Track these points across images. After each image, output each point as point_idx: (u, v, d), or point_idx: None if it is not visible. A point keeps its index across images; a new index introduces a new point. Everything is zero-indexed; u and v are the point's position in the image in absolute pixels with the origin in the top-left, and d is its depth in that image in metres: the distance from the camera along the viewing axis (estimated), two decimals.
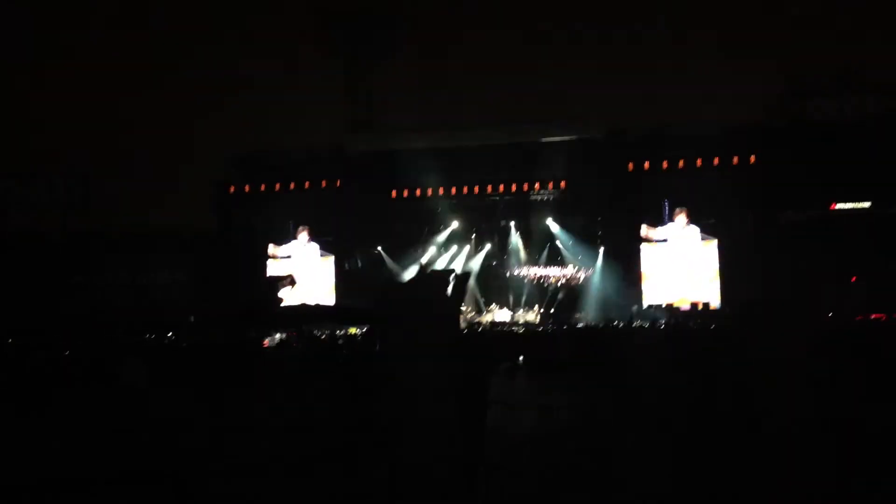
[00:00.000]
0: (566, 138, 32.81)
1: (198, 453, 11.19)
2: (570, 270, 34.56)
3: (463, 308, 33.00)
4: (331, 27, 40.16)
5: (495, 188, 33.88)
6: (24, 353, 20.16)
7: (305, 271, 33.70)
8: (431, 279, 25.61)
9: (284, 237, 35.11)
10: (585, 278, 34.15)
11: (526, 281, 35.03)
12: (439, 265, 34.57)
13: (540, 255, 35.11)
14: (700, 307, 30.37)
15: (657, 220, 32.25)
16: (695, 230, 31.67)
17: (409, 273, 32.49)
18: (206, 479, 9.76)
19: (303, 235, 35.04)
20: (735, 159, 31.62)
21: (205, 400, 15.46)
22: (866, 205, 31.21)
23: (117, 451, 11.62)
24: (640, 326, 26.43)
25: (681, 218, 31.79)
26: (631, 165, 32.45)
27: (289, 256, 34.95)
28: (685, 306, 30.61)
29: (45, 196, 35.14)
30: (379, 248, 35.20)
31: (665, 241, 32.03)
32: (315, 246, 35.03)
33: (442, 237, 35.48)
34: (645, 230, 32.30)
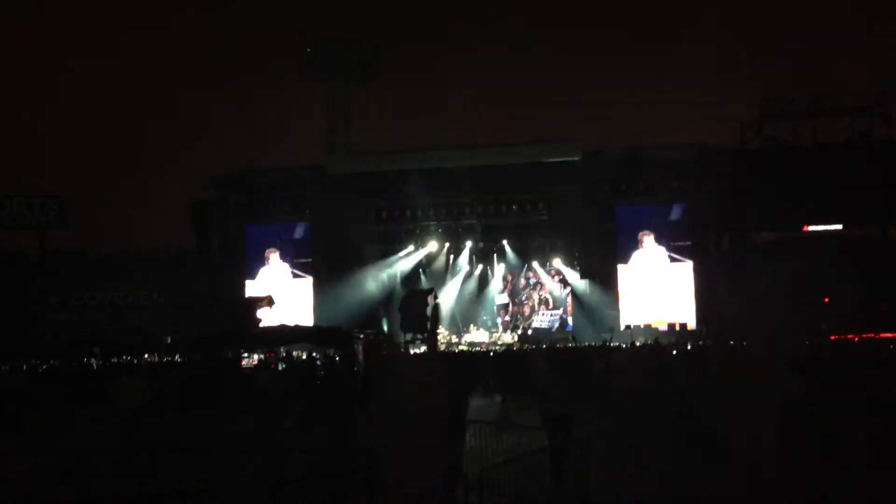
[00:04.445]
0: (544, 160, 32.94)
1: (181, 474, 11.08)
2: (547, 291, 34.85)
3: (440, 329, 33.16)
4: (312, 50, 40.28)
5: (473, 209, 34.03)
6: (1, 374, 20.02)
7: (286, 293, 33.72)
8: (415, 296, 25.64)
9: (263, 258, 35.06)
10: (563, 299, 34.45)
11: (504, 301, 35.29)
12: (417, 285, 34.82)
13: (517, 276, 35.41)
14: (677, 327, 30.62)
15: (634, 242, 32.49)
16: (674, 252, 31.95)
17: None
18: (189, 500, 9.71)
19: (274, 257, 34.97)
20: (711, 181, 31.78)
21: (185, 420, 15.37)
22: (838, 227, 31.64)
23: (96, 473, 11.63)
24: (618, 346, 26.61)
25: (648, 241, 32.10)
26: (608, 187, 32.76)
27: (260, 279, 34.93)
28: (662, 327, 30.75)
29: (23, 216, 35.00)
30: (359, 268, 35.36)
31: (642, 261, 32.27)
32: (286, 267, 34.99)
33: (420, 258, 35.72)
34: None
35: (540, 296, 35.02)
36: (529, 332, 34.02)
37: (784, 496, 9.13)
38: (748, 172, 31.22)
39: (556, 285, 34.81)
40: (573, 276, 34.08)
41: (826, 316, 28.22)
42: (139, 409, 14.05)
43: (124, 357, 26.87)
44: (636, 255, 32.26)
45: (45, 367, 24.89)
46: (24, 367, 23.93)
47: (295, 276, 34.93)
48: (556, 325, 34.02)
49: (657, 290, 31.77)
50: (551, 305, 34.68)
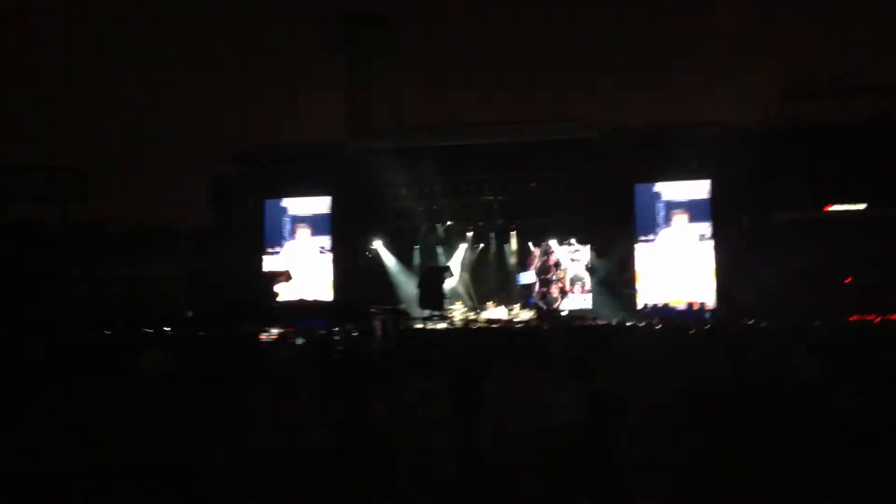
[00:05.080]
0: (563, 138, 32.62)
1: (198, 447, 11.28)
2: (565, 269, 34.72)
3: (458, 305, 33.24)
4: (331, 26, 40.07)
5: (492, 187, 33.88)
6: (23, 346, 20.20)
7: (305, 268, 33.73)
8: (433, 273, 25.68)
9: (281, 233, 35.15)
10: (581, 277, 34.32)
11: (530, 280, 35.16)
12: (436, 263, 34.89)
13: (536, 254, 35.30)
14: (696, 307, 30.56)
15: (653, 222, 32.33)
16: (693, 232, 31.75)
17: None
18: (206, 473, 9.80)
19: (303, 232, 35.03)
20: (732, 160, 31.55)
21: (204, 394, 15.57)
22: (861, 206, 31.36)
23: (116, 444, 11.83)
24: (635, 325, 26.65)
25: (681, 219, 31.93)
26: (627, 166, 32.36)
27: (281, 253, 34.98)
28: (681, 306, 30.70)
29: (44, 189, 35.16)
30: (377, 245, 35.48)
31: (661, 241, 32.12)
32: (314, 243, 35.00)
33: (439, 235, 35.62)
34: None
35: (571, 276, 34.84)
36: (563, 313, 33.54)
37: (801, 477, 9.12)
38: (770, 151, 30.80)
39: (576, 264, 34.62)
40: (591, 255, 33.92)
41: (847, 297, 27.87)
42: (161, 380, 14.17)
43: (145, 330, 27.06)
44: (665, 233, 32.08)
45: (66, 339, 25.07)
46: (46, 339, 24.13)
47: (322, 251, 34.97)
48: (591, 305, 33.62)
49: (677, 269, 31.57)
50: (584, 287, 34.37)
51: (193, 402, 14.70)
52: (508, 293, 34.98)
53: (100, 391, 17.45)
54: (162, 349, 15.86)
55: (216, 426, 13.30)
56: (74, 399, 16.77)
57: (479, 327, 29.31)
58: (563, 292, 34.58)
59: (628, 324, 27.35)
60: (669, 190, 32.09)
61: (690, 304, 30.83)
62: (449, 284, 32.60)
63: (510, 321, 31.84)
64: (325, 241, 34.93)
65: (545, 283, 34.92)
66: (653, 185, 32.28)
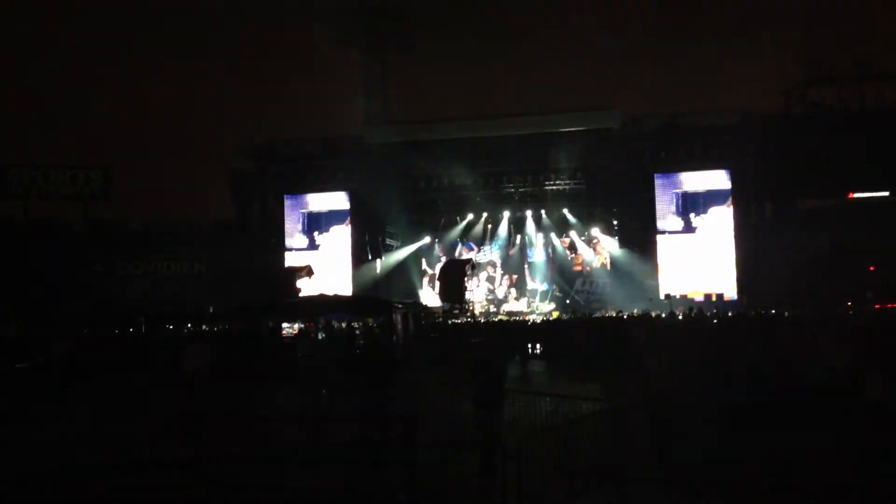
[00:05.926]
0: (582, 129, 32.47)
1: (224, 441, 11.33)
2: (585, 261, 34.68)
3: (475, 298, 33.27)
4: (349, 20, 40.05)
5: (511, 178, 33.86)
6: (47, 343, 20.41)
7: (325, 263, 33.81)
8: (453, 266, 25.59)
9: (301, 229, 35.18)
10: (601, 268, 34.25)
11: (542, 271, 35.17)
12: (456, 254, 34.98)
13: (556, 246, 35.21)
14: (714, 297, 30.42)
15: (673, 211, 32.06)
16: (715, 221, 31.53)
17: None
18: (232, 466, 9.85)
19: (322, 227, 35.08)
20: (753, 148, 31.34)
21: (227, 388, 15.71)
22: (884, 193, 31.05)
23: (144, 438, 11.92)
24: (658, 315, 26.55)
25: (701, 209, 31.70)
26: (647, 155, 32.26)
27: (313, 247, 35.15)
28: (699, 297, 30.53)
29: (67, 187, 35.46)
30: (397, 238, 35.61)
31: (682, 231, 31.92)
32: (334, 238, 35.03)
33: (459, 227, 35.67)
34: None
35: (590, 266, 34.81)
36: (574, 299, 33.77)
37: (824, 467, 9.05)
38: (792, 138, 30.69)
39: (595, 255, 34.61)
40: (612, 245, 33.81)
41: (871, 284, 27.56)
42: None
43: (168, 326, 27.26)
44: (686, 223, 31.83)
45: (92, 335, 25.29)
46: (72, 336, 24.32)
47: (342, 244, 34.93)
48: (604, 293, 33.75)
49: (698, 259, 31.41)
50: (604, 277, 34.41)
51: (218, 396, 14.82)
52: (529, 285, 35.05)
53: (125, 387, 17.60)
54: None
55: (241, 420, 13.39)
56: (100, 394, 16.95)
57: (500, 320, 29.30)
58: (582, 282, 34.57)
59: (653, 314, 27.24)
60: (689, 179, 31.87)
61: (708, 295, 30.67)
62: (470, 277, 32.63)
63: (531, 313, 31.87)
64: (345, 234, 34.98)
65: (559, 271, 35.02)
66: (673, 175, 32.08)
